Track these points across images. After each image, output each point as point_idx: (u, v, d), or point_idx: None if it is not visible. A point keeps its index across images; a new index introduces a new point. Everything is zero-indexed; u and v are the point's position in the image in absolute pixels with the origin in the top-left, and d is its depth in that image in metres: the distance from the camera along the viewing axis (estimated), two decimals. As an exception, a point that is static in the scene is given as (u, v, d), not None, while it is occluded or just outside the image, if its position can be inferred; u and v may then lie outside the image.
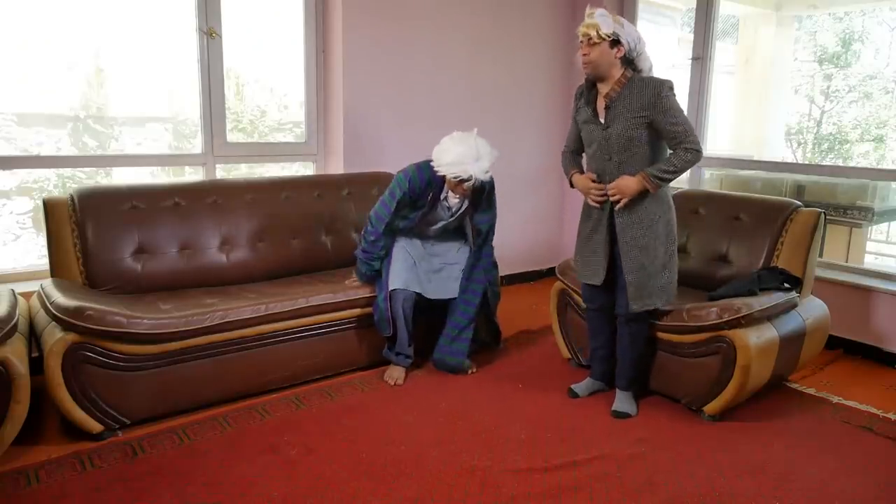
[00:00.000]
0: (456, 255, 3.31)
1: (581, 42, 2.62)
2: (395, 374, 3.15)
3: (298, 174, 4.07)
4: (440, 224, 3.22)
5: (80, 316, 2.43)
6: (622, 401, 2.89)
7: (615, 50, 2.59)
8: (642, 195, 2.66)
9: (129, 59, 3.66)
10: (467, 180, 2.96)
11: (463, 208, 3.17)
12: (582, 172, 2.86)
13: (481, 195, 3.20)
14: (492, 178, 3.15)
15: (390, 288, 3.08)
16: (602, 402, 2.97)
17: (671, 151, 2.66)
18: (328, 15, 3.97)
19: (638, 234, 2.68)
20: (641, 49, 2.64)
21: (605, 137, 2.67)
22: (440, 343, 3.24)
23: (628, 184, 2.63)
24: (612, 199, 2.69)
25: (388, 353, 3.19)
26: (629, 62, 2.64)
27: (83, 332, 2.44)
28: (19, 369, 2.29)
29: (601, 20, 2.57)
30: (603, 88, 2.67)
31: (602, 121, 2.67)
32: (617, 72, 2.62)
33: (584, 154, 2.90)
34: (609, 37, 2.56)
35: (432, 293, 3.21)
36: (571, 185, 2.89)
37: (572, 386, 3.06)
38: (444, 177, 3.02)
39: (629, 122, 2.60)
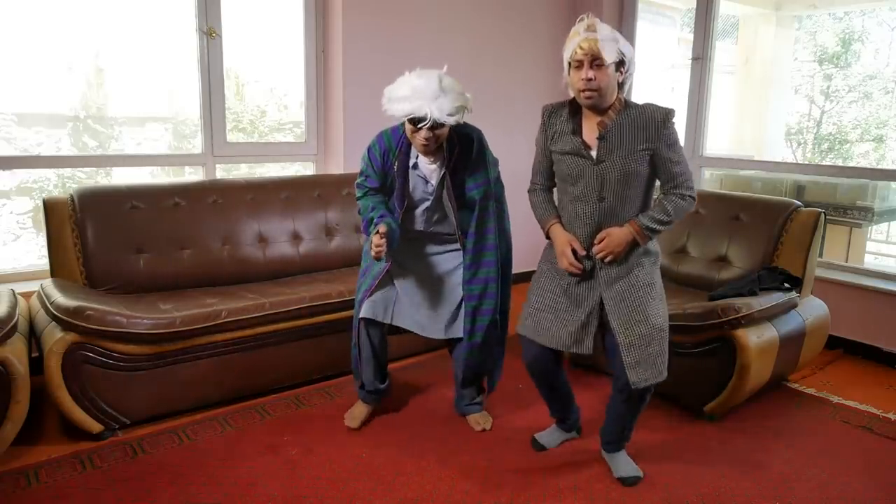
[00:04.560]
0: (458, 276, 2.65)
1: (579, 62, 2.12)
2: (354, 412, 2.71)
3: (298, 174, 4.07)
4: (423, 207, 2.58)
5: (80, 316, 2.43)
6: (625, 463, 2.41)
7: (618, 73, 2.15)
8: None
9: (129, 59, 3.66)
10: (422, 120, 2.30)
11: (441, 175, 2.51)
12: (560, 221, 2.33)
13: (465, 154, 2.51)
14: (480, 133, 2.56)
15: (360, 315, 2.58)
16: (601, 399, 2.96)
17: (661, 194, 2.27)
18: (328, 15, 3.98)
19: (627, 287, 2.22)
20: (634, 69, 2.22)
21: (597, 174, 2.19)
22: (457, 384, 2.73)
23: (619, 241, 2.19)
24: (599, 257, 2.23)
25: (359, 391, 2.74)
26: (620, 84, 2.20)
27: (83, 332, 2.44)
28: (19, 369, 2.28)
29: (613, 38, 2.11)
30: (593, 116, 2.21)
31: (594, 154, 2.20)
32: (613, 97, 2.19)
33: (555, 190, 2.42)
34: (617, 58, 2.12)
35: (428, 330, 2.65)
36: (547, 237, 2.37)
37: (537, 437, 2.61)
38: (408, 140, 2.46)
39: (629, 156, 2.17)
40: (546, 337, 2.30)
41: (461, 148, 2.50)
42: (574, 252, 2.25)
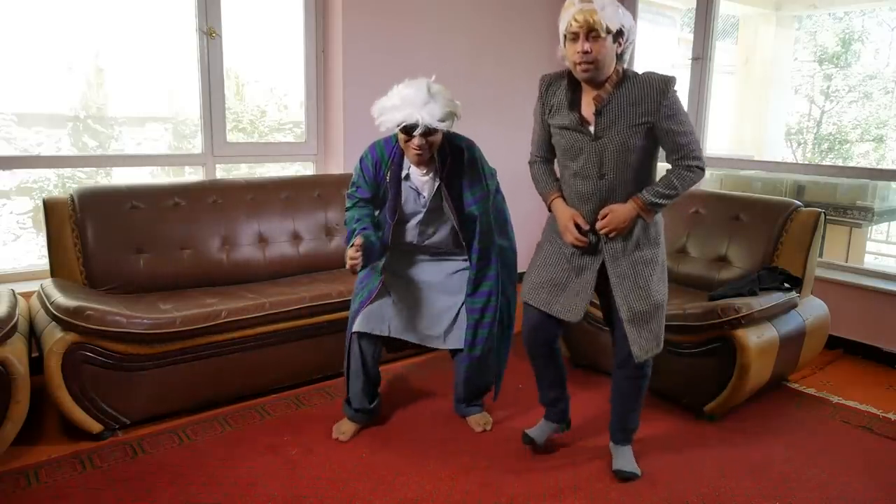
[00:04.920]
0: (460, 286, 2.63)
1: (575, 34, 2.04)
2: (342, 427, 2.63)
3: (298, 174, 4.07)
4: (416, 220, 2.56)
5: (80, 316, 2.43)
6: (625, 458, 2.41)
7: (616, 44, 2.06)
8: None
9: (129, 59, 3.67)
10: (414, 127, 2.28)
11: (435, 187, 2.49)
12: (562, 194, 2.31)
13: (457, 166, 2.48)
14: (472, 144, 2.55)
15: (353, 329, 2.54)
16: (601, 398, 2.96)
17: (668, 167, 2.21)
18: (328, 15, 3.98)
19: (631, 264, 2.21)
20: (634, 37, 2.13)
21: (596, 150, 2.14)
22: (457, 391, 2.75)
23: (623, 218, 2.16)
24: (602, 233, 2.21)
25: (346, 408, 2.68)
26: (619, 54, 2.11)
27: (83, 332, 2.44)
28: (19, 369, 2.29)
29: (612, 3, 2.02)
30: (590, 89, 2.14)
31: (592, 130, 2.14)
32: (611, 69, 2.10)
33: (555, 162, 2.37)
34: (615, 28, 2.03)
35: (427, 340, 2.63)
36: (549, 210, 2.36)
37: (528, 431, 2.54)
38: (401, 151, 2.45)
39: (628, 131, 2.10)
40: (545, 304, 2.30)
41: (453, 158, 2.48)
42: (578, 227, 2.23)
